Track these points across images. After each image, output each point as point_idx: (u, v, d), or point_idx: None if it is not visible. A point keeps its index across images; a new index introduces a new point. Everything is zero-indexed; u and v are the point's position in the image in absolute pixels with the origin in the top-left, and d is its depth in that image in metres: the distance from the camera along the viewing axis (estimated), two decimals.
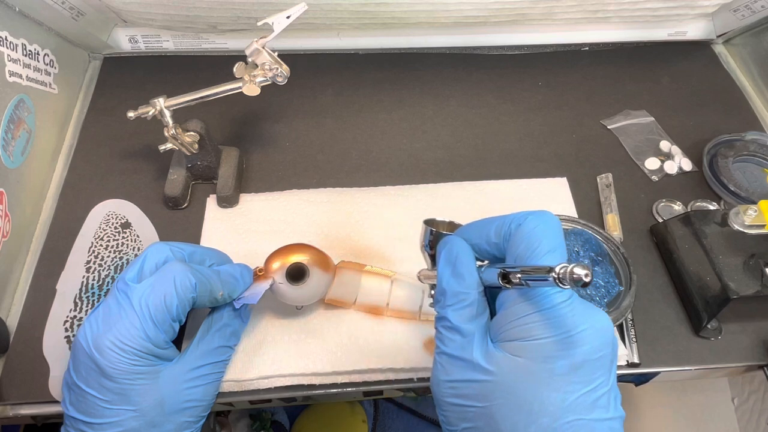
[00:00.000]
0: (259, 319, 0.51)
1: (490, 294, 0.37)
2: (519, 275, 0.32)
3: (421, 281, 0.45)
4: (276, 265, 0.48)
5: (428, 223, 0.42)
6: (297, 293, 0.48)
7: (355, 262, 0.53)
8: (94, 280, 0.54)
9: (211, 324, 0.46)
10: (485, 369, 0.33)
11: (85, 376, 0.39)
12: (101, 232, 0.58)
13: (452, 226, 0.44)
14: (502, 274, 0.33)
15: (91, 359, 0.39)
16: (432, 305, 0.40)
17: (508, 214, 0.36)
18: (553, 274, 0.28)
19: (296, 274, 0.48)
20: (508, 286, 0.33)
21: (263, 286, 0.47)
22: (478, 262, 0.37)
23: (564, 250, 0.34)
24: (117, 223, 0.58)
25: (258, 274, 0.48)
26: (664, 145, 0.67)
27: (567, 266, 0.28)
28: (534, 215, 0.35)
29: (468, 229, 0.38)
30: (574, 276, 0.28)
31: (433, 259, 0.42)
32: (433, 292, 0.41)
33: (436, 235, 0.41)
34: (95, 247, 0.56)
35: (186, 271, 0.41)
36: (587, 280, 0.27)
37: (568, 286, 0.28)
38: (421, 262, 0.55)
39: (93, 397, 0.39)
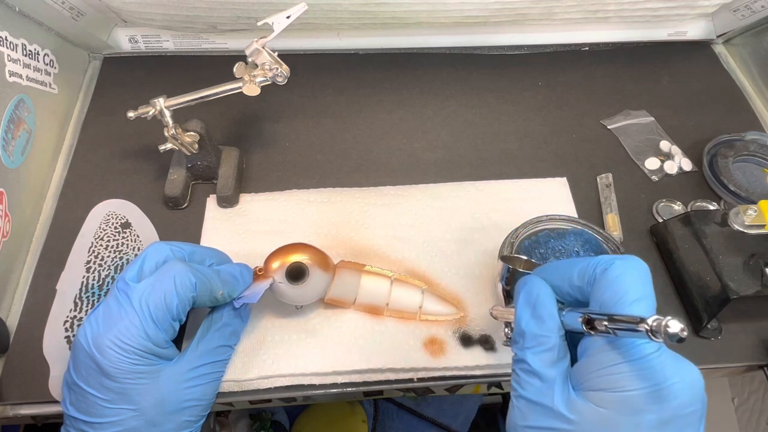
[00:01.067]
0: (259, 319, 0.51)
1: (570, 339, 0.35)
2: (606, 323, 0.30)
3: (494, 317, 0.44)
4: (276, 264, 0.48)
5: (505, 259, 0.42)
6: (296, 293, 0.48)
7: (354, 262, 0.53)
8: (94, 280, 0.54)
9: (211, 323, 0.46)
10: (567, 418, 0.31)
11: (86, 375, 0.39)
12: (101, 232, 0.58)
13: (529, 264, 0.43)
14: (587, 320, 0.32)
15: (91, 359, 0.39)
16: (507, 344, 0.39)
17: (594, 257, 0.35)
18: (646, 326, 0.27)
19: (296, 273, 0.48)
20: (592, 332, 0.32)
21: (263, 285, 0.47)
22: (558, 305, 0.36)
23: (653, 299, 0.33)
24: (117, 223, 0.58)
25: (258, 274, 0.48)
26: (664, 145, 0.67)
27: (661, 319, 0.27)
28: (622, 260, 0.33)
29: (548, 270, 0.37)
30: (669, 331, 0.26)
31: (508, 295, 0.41)
32: (507, 330, 0.41)
33: (513, 273, 0.41)
34: (95, 247, 0.56)
35: (186, 270, 0.41)
36: (683, 335, 0.26)
37: (661, 340, 0.27)
38: (421, 265, 0.56)
39: (93, 397, 0.39)
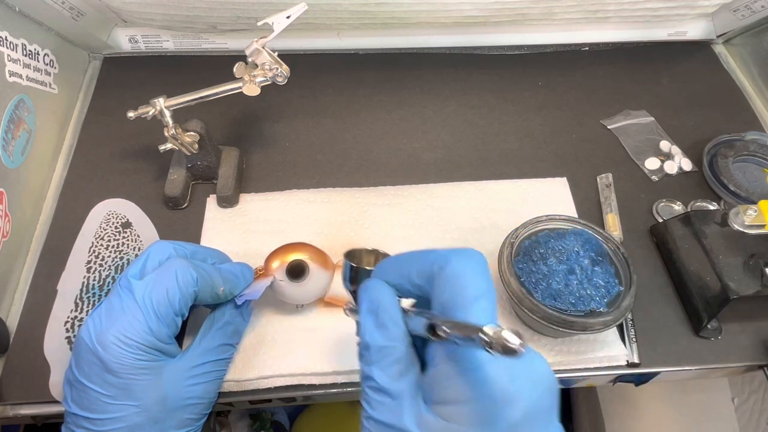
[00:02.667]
0: (259, 319, 0.51)
1: (421, 340, 0.33)
2: (446, 329, 0.28)
3: (347, 315, 0.40)
4: (276, 263, 0.48)
5: (349, 255, 0.39)
6: (297, 291, 0.48)
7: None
8: (94, 280, 0.54)
9: (213, 322, 0.46)
10: None
11: (88, 372, 0.39)
12: (102, 231, 0.58)
13: (377, 257, 0.40)
14: (429, 326, 0.30)
15: (94, 355, 0.39)
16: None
17: (430, 252, 0.33)
18: (483, 336, 0.25)
19: (296, 271, 0.48)
20: (436, 339, 0.30)
21: (264, 283, 0.47)
22: (407, 301, 0.34)
23: (492, 295, 0.31)
24: (117, 222, 0.58)
25: (259, 273, 0.49)
26: (664, 145, 0.67)
27: (499, 330, 0.25)
28: (457, 255, 0.32)
29: (388, 268, 0.35)
30: (506, 345, 0.25)
31: (355, 295, 0.38)
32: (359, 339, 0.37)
33: (356, 271, 0.38)
34: (96, 246, 0.56)
35: (187, 265, 0.42)
36: (521, 351, 0.25)
37: (499, 354, 0.25)
38: None
39: (96, 393, 0.39)
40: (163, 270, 0.42)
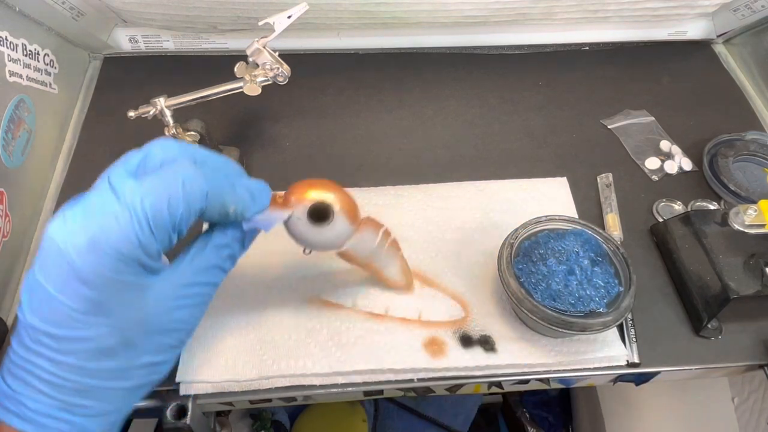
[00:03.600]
0: (259, 319, 0.51)
1: None
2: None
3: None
4: (300, 197, 0.42)
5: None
6: (312, 236, 0.42)
7: (380, 223, 0.48)
8: None
9: (210, 240, 0.39)
10: None
11: (56, 277, 0.32)
12: None
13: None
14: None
15: (64, 258, 0.31)
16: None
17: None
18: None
19: (319, 214, 0.42)
20: None
21: (280, 215, 0.41)
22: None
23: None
24: None
25: (277, 201, 0.42)
26: (665, 144, 0.67)
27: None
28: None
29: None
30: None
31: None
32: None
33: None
34: None
35: (198, 175, 0.34)
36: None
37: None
38: (421, 265, 0.56)
39: (62, 305, 0.32)
40: (168, 173, 0.33)
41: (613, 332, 0.51)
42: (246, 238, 0.41)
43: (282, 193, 0.42)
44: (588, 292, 0.47)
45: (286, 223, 0.42)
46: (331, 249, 0.44)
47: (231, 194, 0.37)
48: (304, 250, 0.45)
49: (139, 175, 0.34)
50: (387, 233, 0.47)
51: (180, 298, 0.36)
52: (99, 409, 0.35)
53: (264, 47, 0.52)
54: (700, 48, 0.79)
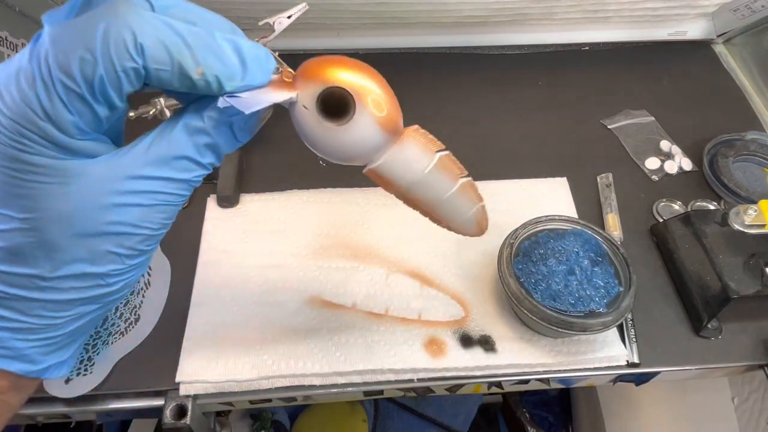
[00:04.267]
0: (259, 319, 0.51)
1: None
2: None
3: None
4: (312, 76, 0.31)
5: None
6: (324, 135, 0.31)
7: (433, 138, 0.36)
8: None
9: (179, 121, 0.29)
10: None
11: None
12: None
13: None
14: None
15: None
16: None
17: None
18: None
19: (337, 105, 0.31)
20: None
21: (275, 96, 0.29)
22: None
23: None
24: None
25: (284, 80, 0.31)
26: (665, 144, 0.67)
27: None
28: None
29: None
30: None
31: None
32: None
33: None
34: None
35: (133, 20, 0.24)
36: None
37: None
38: (421, 265, 0.56)
39: None
40: (86, 20, 0.24)
41: (613, 332, 0.51)
42: (237, 124, 0.30)
43: (290, 71, 0.31)
44: (588, 292, 0.47)
45: (291, 114, 0.31)
46: (353, 161, 0.33)
47: (201, 49, 0.26)
48: (320, 161, 0.34)
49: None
50: (450, 163, 0.35)
51: (123, 195, 0.27)
52: (23, 323, 0.28)
53: (264, 47, 0.52)
54: (700, 48, 0.79)
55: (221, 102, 0.27)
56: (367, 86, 0.30)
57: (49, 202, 0.26)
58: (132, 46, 0.24)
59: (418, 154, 0.34)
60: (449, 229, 0.39)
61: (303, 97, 0.30)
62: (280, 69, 0.30)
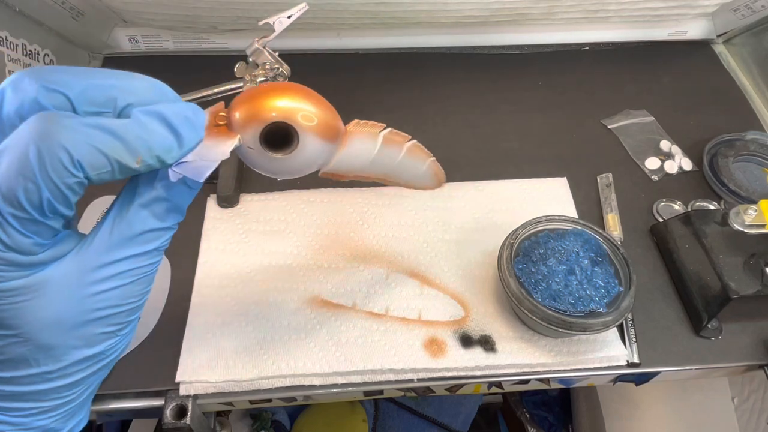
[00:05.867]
0: (259, 319, 0.51)
1: None
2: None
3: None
4: (247, 115, 0.30)
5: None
6: (276, 166, 0.32)
7: (372, 123, 0.37)
8: None
9: (134, 196, 0.28)
10: None
11: None
12: None
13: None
14: None
15: None
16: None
17: None
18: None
19: (277, 136, 0.31)
20: None
21: (220, 151, 0.29)
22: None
23: None
24: None
25: (218, 124, 0.30)
26: (665, 144, 0.67)
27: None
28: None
29: None
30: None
31: None
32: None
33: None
34: None
35: (63, 137, 0.23)
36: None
37: None
38: (420, 265, 0.55)
39: None
40: (12, 146, 0.23)
41: (613, 332, 0.51)
42: (188, 179, 0.29)
43: (222, 109, 0.30)
44: (588, 292, 0.47)
45: (238, 153, 0.31)
46: (307, 172, 0.34)
47: (133, 139, 0.25)
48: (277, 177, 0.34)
49: None
50: (393, 136, 0.37)
51: (97, 283, 0.27)
52: (41, 407, 0.29)
53: (264, 47, 0.52)
54: (700, 48, 0.79)
55: (172, 176, 0.27)
56: (301, 108, 0.30)
57: (31, 315, 0.26)
58: (69, 163, 0.24)
59: (364, 143, 0.36)
60: (410, 187, 0.43)
61: (246, 139, 0.30)
62: (205, 113, 0.29)
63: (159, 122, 0.26)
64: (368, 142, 0.36)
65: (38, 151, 0.23)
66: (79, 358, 0.29)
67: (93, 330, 0.28)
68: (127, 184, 0.29)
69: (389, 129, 0.37)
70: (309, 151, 0.31)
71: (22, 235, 0.25)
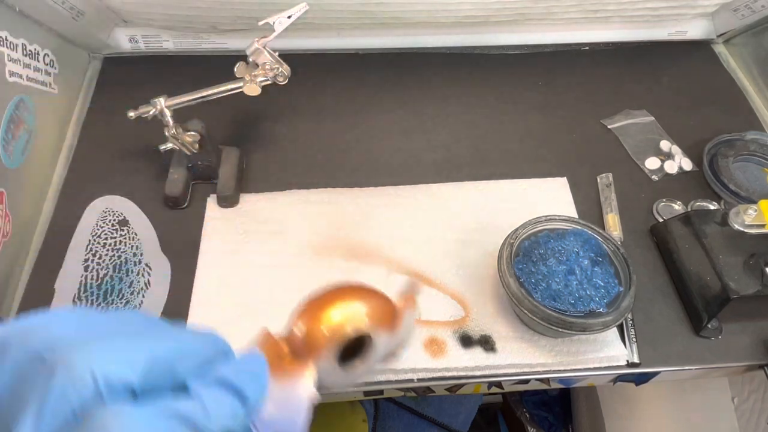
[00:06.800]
0: (259, 319, 0.51)
1: None
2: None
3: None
4: (318, 339, 0.29)
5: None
6: (350, 373, 0.30)
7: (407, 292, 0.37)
8: (92, 279, 0.54)
9: None
10: None
11: None
12: (98, 229, 0.58)
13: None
14: None
15: None
16: None
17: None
18: None
19: (353, 349, 0.30)
20: None
21: (303, 394, 0.27)
22: None
23: None
24: (114, 220, 0.58)
25: (280, 357, 0.27)
26: (665, 144, 0.67)
27: None
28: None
29: None
30: None
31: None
32: None
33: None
34: (93, 245, 0.56)
35: None
36: None
37: None
38: (421, 265, 0.55)
39: None
40: None
41: (613, 332, 0.51)
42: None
43: (270, 334, 0.27)
44: (588, 292, 0.46)
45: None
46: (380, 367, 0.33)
47: (204, 418, 0.22)
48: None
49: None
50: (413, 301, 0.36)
51: None
52: None
53: (264, 47, 0.52)
54: (700, 48, 0.79)
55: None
56: (364, 311, 0.29)
57: None
58: None
59: (410, 311, 0.35)
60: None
61: (322, 367, 0.28)
62: (263, 352, 0.26)
63: (221, 389, 0.23)
64: (411, 315, 0.35)
65: None
66: None
67: None
68: None
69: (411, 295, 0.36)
70: (381, 345, 0.30)
71: None
